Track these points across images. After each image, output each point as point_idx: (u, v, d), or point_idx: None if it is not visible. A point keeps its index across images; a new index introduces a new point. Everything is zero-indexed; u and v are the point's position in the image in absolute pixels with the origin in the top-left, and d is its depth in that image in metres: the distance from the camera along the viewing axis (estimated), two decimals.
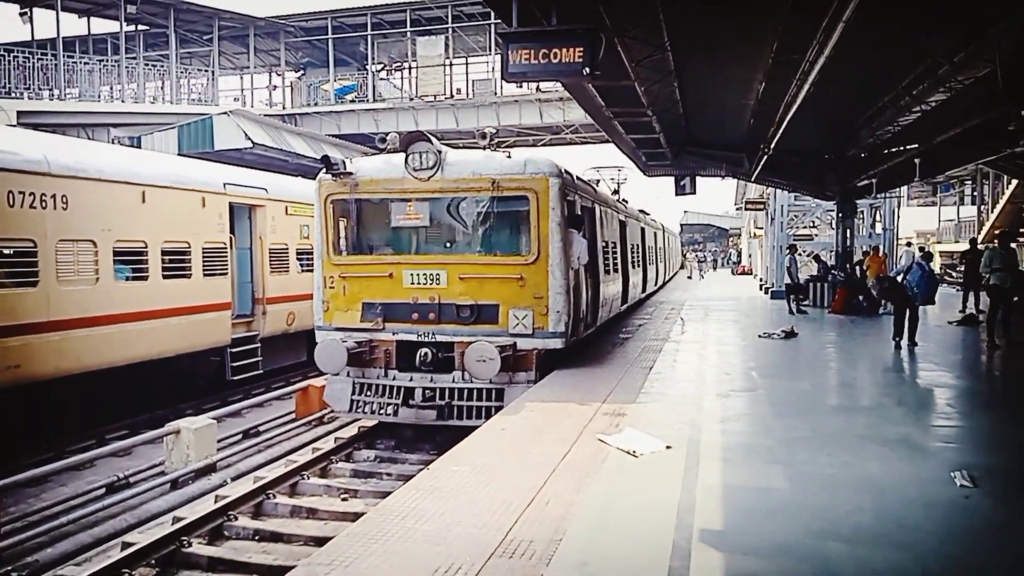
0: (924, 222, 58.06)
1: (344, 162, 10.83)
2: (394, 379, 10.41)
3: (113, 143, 24.62)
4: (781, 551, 4.09)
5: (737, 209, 42.04)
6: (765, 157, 17.55)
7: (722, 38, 11.37)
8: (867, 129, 16.11)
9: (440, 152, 10.31)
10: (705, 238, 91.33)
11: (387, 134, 11.41)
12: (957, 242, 43.17)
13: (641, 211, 27.70)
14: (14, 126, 17.58)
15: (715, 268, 60.80)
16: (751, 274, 44.68)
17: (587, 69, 6.54)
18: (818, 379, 9.96)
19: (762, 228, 34.27)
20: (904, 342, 12.27)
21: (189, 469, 9.59)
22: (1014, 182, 29.03)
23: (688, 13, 10.11)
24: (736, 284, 37.90)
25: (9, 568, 7.10)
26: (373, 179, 10.60)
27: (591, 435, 6.62)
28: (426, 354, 10.28)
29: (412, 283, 10.43)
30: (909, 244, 29.68)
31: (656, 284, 27.99)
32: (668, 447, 6.19)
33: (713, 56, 12.48)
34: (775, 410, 7.68)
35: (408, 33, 31.05)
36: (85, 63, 26.46)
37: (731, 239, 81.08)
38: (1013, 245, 12.16)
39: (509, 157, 10.48)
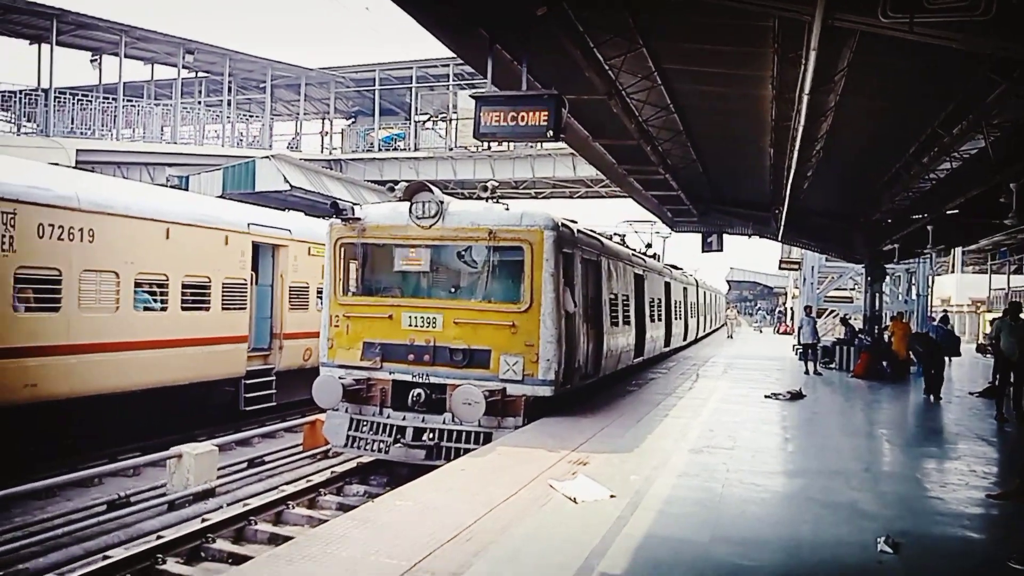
0: (977, 289, 56.17)
1: (353, 208, 11.44)
2: (388, 417, 10.73)
3: (167, 182, 26.18)
4: None
5: (780, 268, 41.66)
6: (784, 218, 17.62)
7: (723, 102, 11.74)
8: (887, 194, 16.12)
9: (442, 202, 10.81)
10: (755, 295, 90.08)
11: (397, 182, 12.03)
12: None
13: (672, 266, 27.80)
14: (71, 166, 18.85)
15: (761, 328, 59.16)
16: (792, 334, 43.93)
17: (551, 132, 6.96)
18: (802, 441, 9.91)
19: (799, 288, 33.90)
20: (932, 397, 14.12)
21: (187, 492, 9.99)
22: None
23: (683, 77, 10.57)
24: (773, 343, 37.30)
25: (2, 572, 7.58)
26: (379, 225, 11.15)
27: (544, 480, 6.81)
28: (419, 394, 10.61)
29: (410, 325, 10.83)
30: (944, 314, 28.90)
31: (685, 339, 27.81)
32: (612, 496, 6.35)
33: (719, 118, 12.85)
34: (740, 469, 7.73)
35: (450, 86, 32.27)
36: (140, 106, 28.30)
37: (779, 297, 79.87)
38: None
39: (507, 209, 10.94)
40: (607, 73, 9.68)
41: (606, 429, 9.80)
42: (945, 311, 32.25)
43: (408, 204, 10.91)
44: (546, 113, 6.98)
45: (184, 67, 30.34)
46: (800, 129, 8.81)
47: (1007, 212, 9.51)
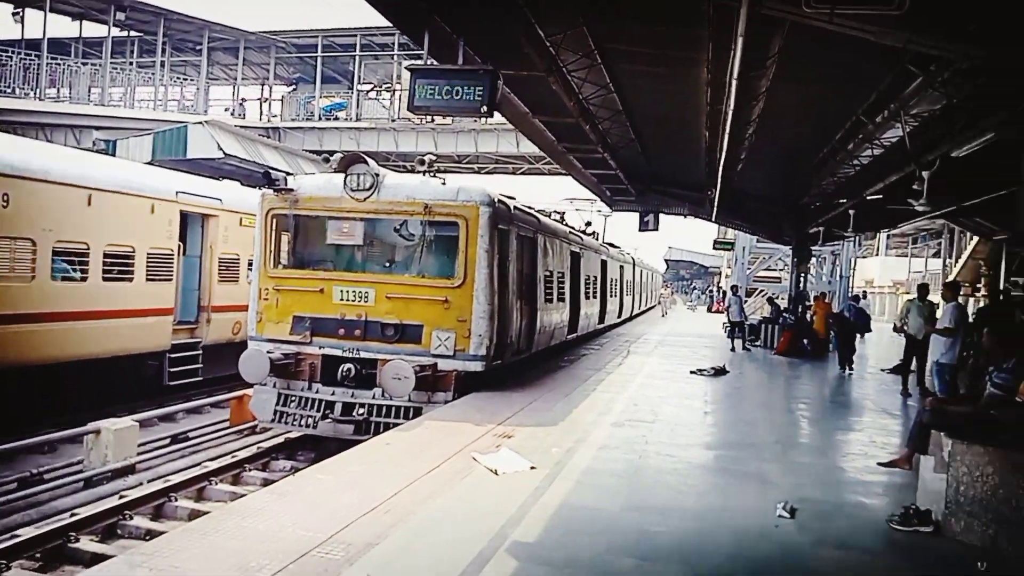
0: (900, 272, 58.87)
1: (286, 178, 11.21)
2: (317, 392, 10.66)
3: (94, 146, 25.01)
4: (572, 564, 4.41)
5: (714, 248, 42.66)
6: (717, 199, 18.07)
7: (662, 83, 11.91)
8: (814, 179, 16.69)
9: (378, 175, 10.71)
10: (692, 275, 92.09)
11: (334, 153, 11.84)
12: None
13: (610, 244, 28.22)
14: None
15: (695, 307, 60.24)
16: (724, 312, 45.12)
17: (485, 107, 6.98)
18: (720, 415, 10.32)
19: (731, 268, 34.88)
20: (845, 371, 15.26)
21: (105, 469, 9.73)
22: (976, 239, 29.69)
23: (623, 56, 10.66)
24: (705, 322, 38.32)
25: None
26: (313, 196, 10.97)
27: (468, 454, 6.92)
28: (349, 369, 10.55)
29: (341, 299, 10.75)
30: (864, 295, 30.30)
31: (620, 316, 28.35)
32: (532, 467, 6.51)
33: (658, 98, 13.04)
34: (658, 441, 8.00)
35: (395, 55, 31.69)
36: (69, 65, 26.91)
37: (715, 277, 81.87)
38: (932, 298, 12.60)
39: (444, 184, 10.92)
40: (547, 50, 9.69)
41: (534, 403, 9.98)
42: (865, 291, 33.75)
43: (343, 176, 10.77)
44: (481, 88, 6.98)
45: (115, 25, 28.82)
46: (730, 112, 9.02)
47: (919, 199, 10.00)
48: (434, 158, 11.67)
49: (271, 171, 11.10)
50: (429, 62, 8.07)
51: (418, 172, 11.24)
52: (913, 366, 12.30)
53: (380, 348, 10.45)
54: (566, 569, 4.33)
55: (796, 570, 4.54)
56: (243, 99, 36.80)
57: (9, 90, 25.41)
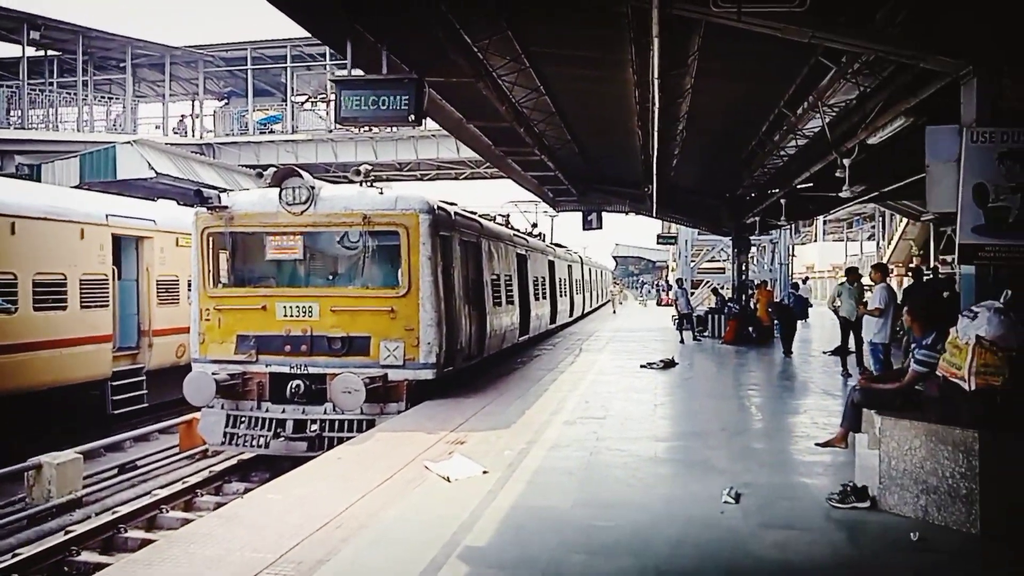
0: (838, 256, 60.99)
1: (219, 196, 11.02)
2: (267, 411, 10.52)
3: (17, 171, 24.08)
4: (525, 564, 4.48)
5: (657, 243, 43.49)
6: (655, 195, 18.44)
7: (591, 84, 12.11)
8: (746, 170, 17.17)
9: (313, 187, 10.61)
10: (640, 270, 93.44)
11: (273, 167, 11.67)
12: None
13: (556, 244, 28.45)
14: None
15: (645, 301, 60.51)
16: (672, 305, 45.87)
17: (412, 116, 7.01)
18: (669, 407, 10.53)
19: (676, 261, 35.57)
20: (786, 355, 16.08)
21: (49, 504, 9.44)
22: (905, 220, 30.95)
23: (550, 59, 10.81)
24: (654, 315, 38.96)
25: None
26: (248, 213, 10.81)
27: (420, 463, 6.93)
28: (298, 386, 10.44)
29: (285, 315, 10.62)
30: (805, 280, 31.27)
31: (571, 315, 28.63)
32: (485, 472, 6.56)
33: (588, 99, 13.24)
34: (609, 436, 8.14)
35: (327, 65, 31.34)
36: None
37: (663, 271, 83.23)
38: (862, 280, 13.11)
39: (381, 193, 10.88)
40: (475, 55, 9.76)
41: (487, 408, 10.04)
42: (806, 277, 34.83)
43: (278, 190, 10.64)
44: (407, 97, 7.01)
45: (31, 44, 27.77)
46: (656, 111, 9.24)
47: (842, 186, 10.41)
48: (370, 168, 11.61)
49: (202, 189, 10.87)
50: (356, 72, 8.04)
51: (355, 183, 11.18)
52: (852, 347, 12.76)
53: (328, 362, 10.36)
54: (517, 570, 4.40)
55: (740, 552, 4.68)
56: (183, 115, 35.97)
57: None
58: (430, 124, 31.62)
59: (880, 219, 41.15)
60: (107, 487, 10.60)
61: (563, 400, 10.69)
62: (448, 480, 6.36)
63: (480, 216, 15.11)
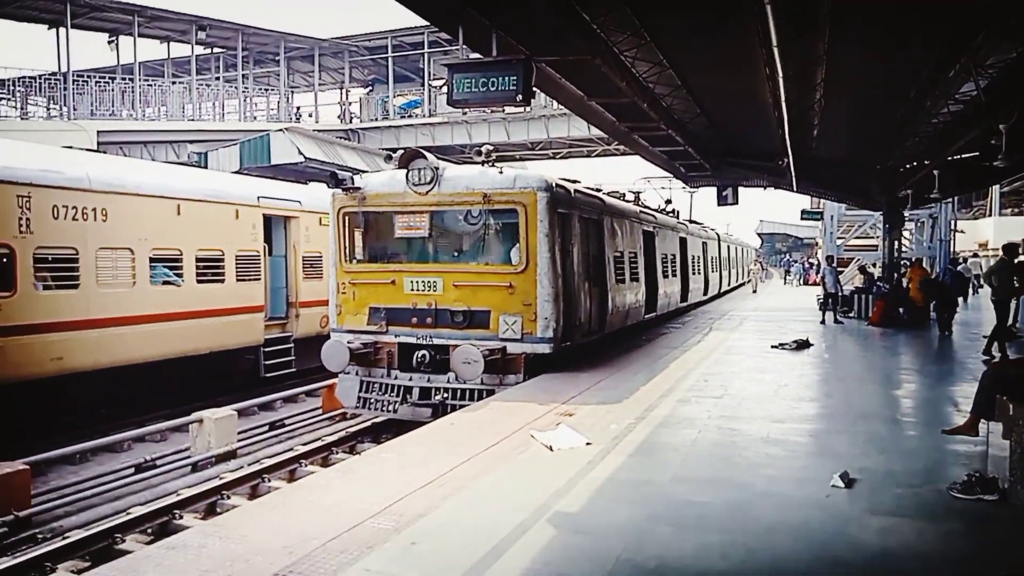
0: (1016, 232, 54.64)
1: (352, 178, 11.75)
2: (395, 378, 11.20)
3: (189, 158, 26.76)
4: (610, 531, 4.56)
5: (801, 219, 40.97)
6: (793, 168, 17.47)
7: (715, 54, 11.66)
8: (895, 140, 15.87)
9: (437, 168, 11.06)
10: (788, 247, 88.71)
11: (395, 150, 12.27)
12: None
13: (691, 221, 27.68)
14: (93, 148, 19.43)
15: (795, 282, 55.72)
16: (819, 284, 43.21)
17: (520, 96, 7.14)
18: (795, 390, 10.07)
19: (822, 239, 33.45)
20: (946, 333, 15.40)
21: (209, 454, 10.59)
22: None
23: (670, 32, 10.53)
24: (799, 295, 36.95)
25: (36, 531, 8.24)
26: (379, 193, 11.46)
27: (527, 432, 7.15)
28: (424, 355, 11.01)
29: (412, 289, 11.21)
30: (966, 259, 28.44)
31: (706, 294, 27.79)
32: (588, 444, 6.67)
33: (715, 71, 12.76)
34: (722, 415, 7.97)
35: (461, 48, 32.05)
36: (159, 85, 28.84)
37: (813, 248, 78.52)
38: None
39: (501, 172, 11.14)
40: (591, 32, 9.70)
41: (601, 382, 10.10)
42: (965, 256, 31.65)
43: (405, 172, 11.19)
44: (515, 77, 7.16)
45: (198, 43, 30.74)
46: (781, 80, 8.78)
47: (999, 154, 9.40)
48: (492, 148, 11.91)
49: (337, 172, 11.64)
50: (468, 55, 8.27)
51: (476, 163, 11.53)
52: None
53: (451, 334, 10.84)
54: (601, 537, 4.49)
55: (839, 537, 4.50)
56: (348, 101, 38.10)
57: (110, 113, 27.56)
58: (528, 105, 31.76)
59: None
60: (258, 441, 11.74)
61: (682, 378, 10.53)
62: (551, 449, 6.53)
63: (606, 193, 15.04)
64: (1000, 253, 11.71)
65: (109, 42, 29.41)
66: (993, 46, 8.48)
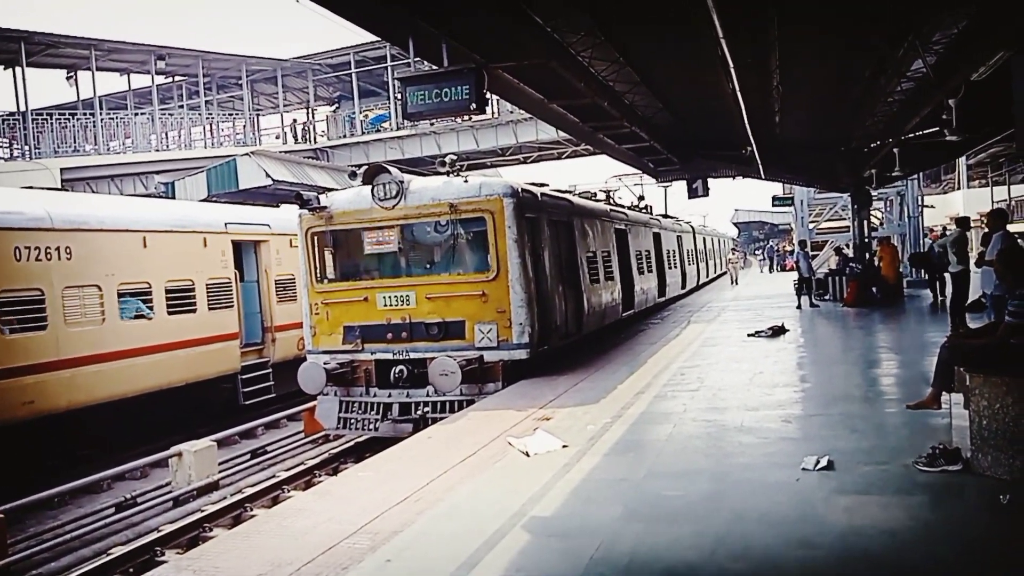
0: (985, 202, 55.57)
1: (318, 197, 11.72)
2: (374, 396, 11.15)
3: (156, 189, 26.53)
4: (585, 532, 4.58)
5: (772, 206, 41.36)
6: (758, 155, 17.64)
7: (671, 46, 11.76)
8: (856, 120, 16.09)
9: (402, 181, 11.06)
10: (765, 235, 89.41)
11: (360, 167, 12.25)
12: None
13: (664, 215, 27.86)
14: (55, 188, 19.22)
15: (771, 269, 55.59)
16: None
17: (473, 104, 7.17)
18: (770, 377, 10.14)
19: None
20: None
21: (191, 488, 10.49)
22: None
23: (624, 28, 10.60)
24: (776, 282, 37.25)
25: None
26: (345, 211, 11.44)
27: (505, 439, 7.16)
28: (401, 371, 10.98)
29: (385, 305, 11.18)
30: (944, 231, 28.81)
31: (684, 287, 27.96)
32: (564, 446, 6.68)
33: (672, 64, 12.87)
34: (697, 408, 8.02)
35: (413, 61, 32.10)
36: (122, 118, 28.64)
37: (789, 234, 79.23)
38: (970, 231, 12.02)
39: (466, 181, 11.18)
40: (545, 34, 9.74)
41: (580, 384, 10.13)
42: (945, 228, 32.04)
43: (370, 187, 11.18)
44: (467, 87, 7.19)
45: (159, 73, 30.52)
46: (731, 64, 8.85)
47: (949, 128, 9.58)
48: (455, 158, 11.94)
49: (302, 192, 11.62)
50: (428, 67, 8.29)
51: (440, 173, 11.54)
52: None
53: (427, 347, 10.82)
54: (576, 538, 4.51)
55: (806, 519, 4.55)
56: (294, 120, 38.10)
57: (73, 150, 27.30)
58: (483, 113, 31.83)
59: None
60: (240, 470, 11.63)
61: (659, 373, 10.59)
62: (527, 455, 6.54)
63: (578, 194, 15.11)
64: (954, 226, 11.90)
65: (68, 78, 29.16)
66: (936, 22, 8.63)
